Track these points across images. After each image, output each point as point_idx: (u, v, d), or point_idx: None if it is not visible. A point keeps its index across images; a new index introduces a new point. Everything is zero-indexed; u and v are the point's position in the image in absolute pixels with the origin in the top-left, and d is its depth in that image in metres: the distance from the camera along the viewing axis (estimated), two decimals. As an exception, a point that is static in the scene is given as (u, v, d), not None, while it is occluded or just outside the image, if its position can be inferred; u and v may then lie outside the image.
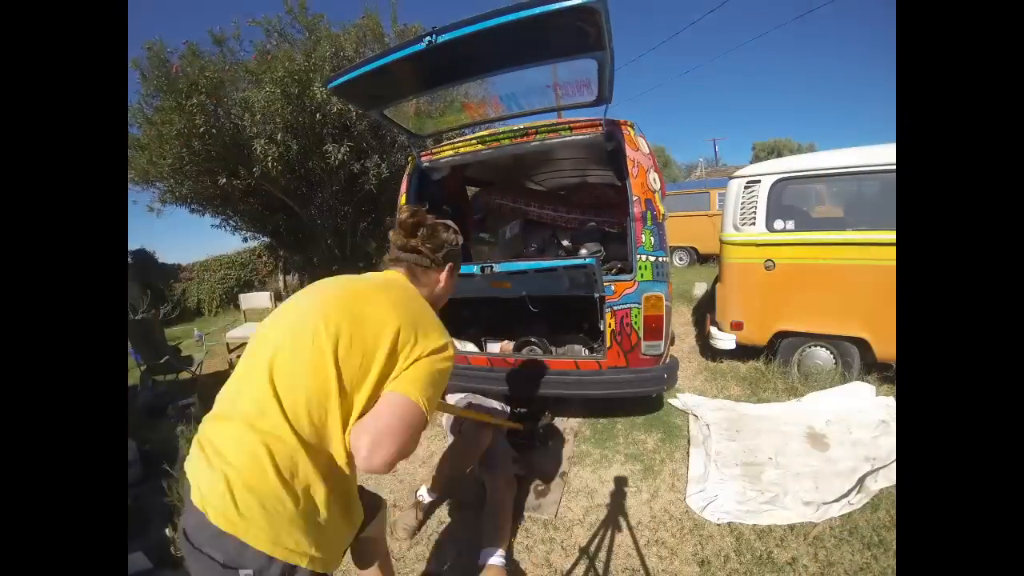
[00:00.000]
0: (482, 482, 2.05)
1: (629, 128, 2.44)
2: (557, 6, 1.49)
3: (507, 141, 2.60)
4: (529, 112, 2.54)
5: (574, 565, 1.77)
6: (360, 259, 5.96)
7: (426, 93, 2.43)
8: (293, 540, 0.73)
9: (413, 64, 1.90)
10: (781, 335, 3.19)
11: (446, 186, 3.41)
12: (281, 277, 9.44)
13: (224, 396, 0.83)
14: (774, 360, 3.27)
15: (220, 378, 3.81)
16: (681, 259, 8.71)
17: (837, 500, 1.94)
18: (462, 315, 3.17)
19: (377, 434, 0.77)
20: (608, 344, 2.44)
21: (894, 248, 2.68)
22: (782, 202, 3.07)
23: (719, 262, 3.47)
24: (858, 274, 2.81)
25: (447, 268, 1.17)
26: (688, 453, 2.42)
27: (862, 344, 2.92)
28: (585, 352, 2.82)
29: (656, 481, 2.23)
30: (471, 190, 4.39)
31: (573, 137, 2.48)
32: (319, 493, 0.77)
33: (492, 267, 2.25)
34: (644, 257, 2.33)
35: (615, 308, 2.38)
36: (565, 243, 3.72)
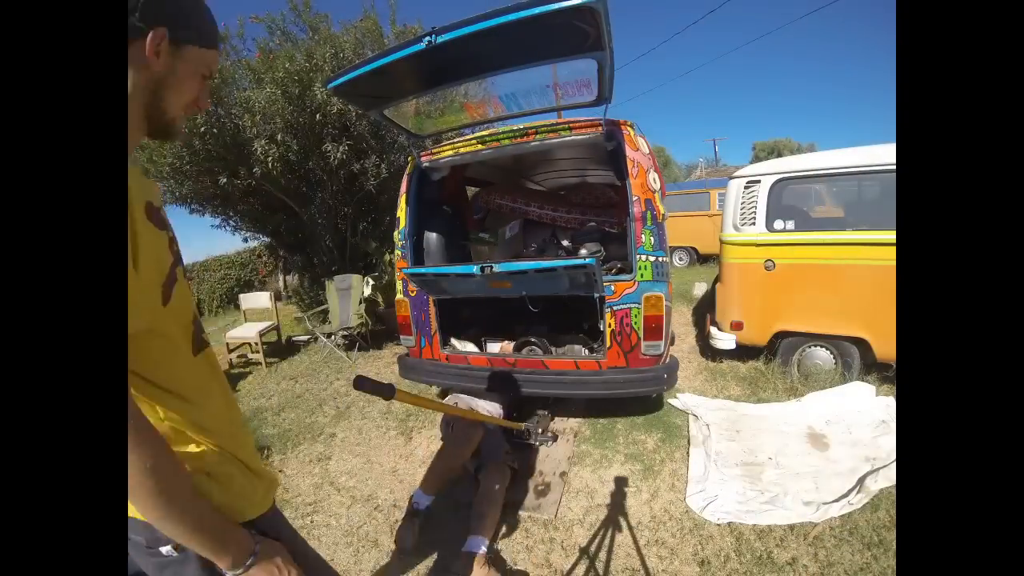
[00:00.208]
0: (475, 476, 2.07)
1: (629, 128, 2.44)
2: (557, 6, 1.49)
3: (507, 141, 2.60)
4: (529, 112, 2.54)
5: (574, 565, 1.77)
6: (360, 259, 5.95)
7: (426, 93, 2.43)
8: None
9: (413, 64, 1.90)
10: (781, 335, 3.19)
11: (446, 186, 3.41)
12: (281, 277, 9.44)
13: None
14: (774, 360, 3.27)
15: (220, 378, 3.75)
16: (681, 259, 8.71)
17: (837, 500, 1.95)
18: (462, 315, 3.17)
19: None
20: (608, 344, 2.44)
21: (894, 248, 2.68)
22: (782, 202, 3.07)
23: (719, 262, 3.47)
24: (858, 274, 2.81)
25: (149, 36, 0.60)
26: (688, 453, 2.43)
27: (862, 344, 2.92)
28: (585, 352, 2.82)
29: (656, 481, 2.23)
30: (471, 190, 4.39)
31: (573, 137, 2.49)
32: None
33: (492, 267, 2.25)
34: (644, 257, 2.33)
35: (615, 308, 2.38)
36: (565, 243, 3.72)
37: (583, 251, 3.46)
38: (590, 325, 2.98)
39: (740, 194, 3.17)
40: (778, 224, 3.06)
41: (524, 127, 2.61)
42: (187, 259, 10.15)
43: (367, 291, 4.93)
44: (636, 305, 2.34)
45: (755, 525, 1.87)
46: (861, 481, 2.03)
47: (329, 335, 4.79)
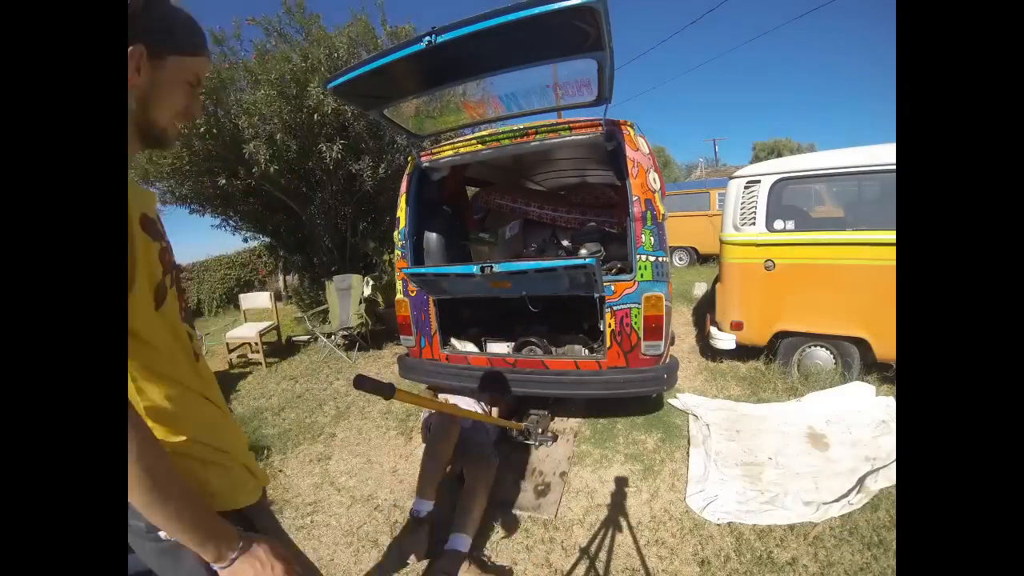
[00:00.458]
0: (460, 475, 2.08)
1: (629, 128, 2.44)
2: (557, 6, 1.49)
3: (507, 141, 2.60)
4: (529, 112, 2.54)
5: (574, 565, 1.77)
6: (360, 259, 5.95)
7: (426, 93, 2.43)
8: None
9: (413, 64, 1.90)
10: (781, 335, 3.19)
11: (446, 186, 3.41)
12: (281, 277, 9.43)
13: None
14: (774, 360, 3.27)
15: (220, 378, 3.78)
16: (681, 259, 8.71)
17: (837, 500, 1.95)
18: (462, 315, 3.17)
19: None
20: (608, 344, 2.44)
21: (894, 248, 2.68)
22: (782, 202, 3.07)
23: (719, 262, 3.47)
24: (858, 274, 2.81)
25: (129, 54, 0.59)
26: (688, 453, 2.42)
27: (862, 344, 2.92)
28: (585, 352, 2.82)
29: (656, 481, 2.23)
30: (471, 190, 4.39)
31: (573, 137, 2.49)
32: None
33: (492, 267, 2.25)
34: (644, 257, 2.33)
35: (615, 308, 2.38)
36: (565, 243, 3.72)
37: (583, 251, 3.46)
38: (590, 325, 2.98)
39: (740, 194, 3.17)
40: (778, 224, 3.06)
41: (524, 127, 2.61)
42: (187, 259, 10.16)
43: (367, 291, 4.93)
44: (636, 305, 2.34)
45: (755, 525, 1.86)
46: (861, 481, 2.03)
47: (329, 335, 4.79)
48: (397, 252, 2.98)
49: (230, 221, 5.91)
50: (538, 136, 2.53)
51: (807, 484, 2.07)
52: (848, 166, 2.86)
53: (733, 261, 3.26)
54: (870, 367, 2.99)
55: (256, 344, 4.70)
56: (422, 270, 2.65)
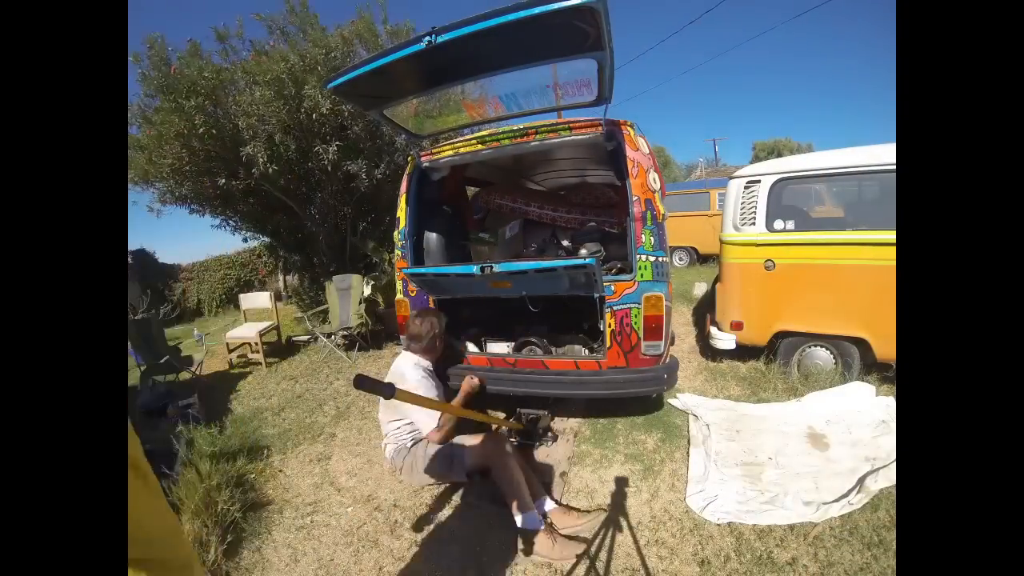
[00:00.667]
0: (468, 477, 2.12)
1: (629, 128, 2.43)
2: (557, 6, 1.49)
3: (507, 141, 2.60)
4: (529, 112, 2.54)
5: (574, 565, 1.77)
6: (360, 259, 5.95)
7: (426, 93, 2.43)
8: None
9: (413, 64, 1.90)
10: (781, 335, 3.19)
11: (446, 186, 3.41)
12: (281, 277, 9.43)
13: None
14: (774, 360, 3.27)
15: (220, 378, 3.82)
16: (681, 259, 8.71)
17: (837, 500, 1.94)
18: (462, 315, 3.17)
19: None
20: (608, 344, 2.44)
21: (894, 248, 2.68)
22: (782, 202, 3.07)
23: (719, 262, 3.47)
24: (858, 274, 2.81)
25: None
26: (688, 453, 2.42)
27: (862, 344, 2.92)
28: (585, 352, 2.82)
29: (656, 481, 2.23)
30: (471, 190, 4.39)
31: (573, 137, 2.48)
32: None
33: (492, 267, 2.25)
34: (644, 257, 2.33)
35: (615, 308, 2.38)
36: (565, 243, 3.72)
37: (583, 251, 3.46)
38: (590, 325, 2.98)
39: (740, 194, 3.17)
40: (778, 224, 3.06)
41: (524, 127, 2.61)
42: (187, 259, 10.14)
43: (367, 291, 4.93)
44: (636, 305, 2.34)
45: (755, 525, 1.86)
46: (861, 481, 2.03)
47: (329, 335, 4.79)
48: (397, 252, 2.97)
49: (230, 221, 5.91)
50: (538, 136, 2.53)
51: (807, 484, 2.07)
52: (848, 166, 2.86)
53: (733, 261, 3.26)
54: (870, 367, 2.99)
55: (256, 344, 4.70)
56: (422, 270, 2.65)
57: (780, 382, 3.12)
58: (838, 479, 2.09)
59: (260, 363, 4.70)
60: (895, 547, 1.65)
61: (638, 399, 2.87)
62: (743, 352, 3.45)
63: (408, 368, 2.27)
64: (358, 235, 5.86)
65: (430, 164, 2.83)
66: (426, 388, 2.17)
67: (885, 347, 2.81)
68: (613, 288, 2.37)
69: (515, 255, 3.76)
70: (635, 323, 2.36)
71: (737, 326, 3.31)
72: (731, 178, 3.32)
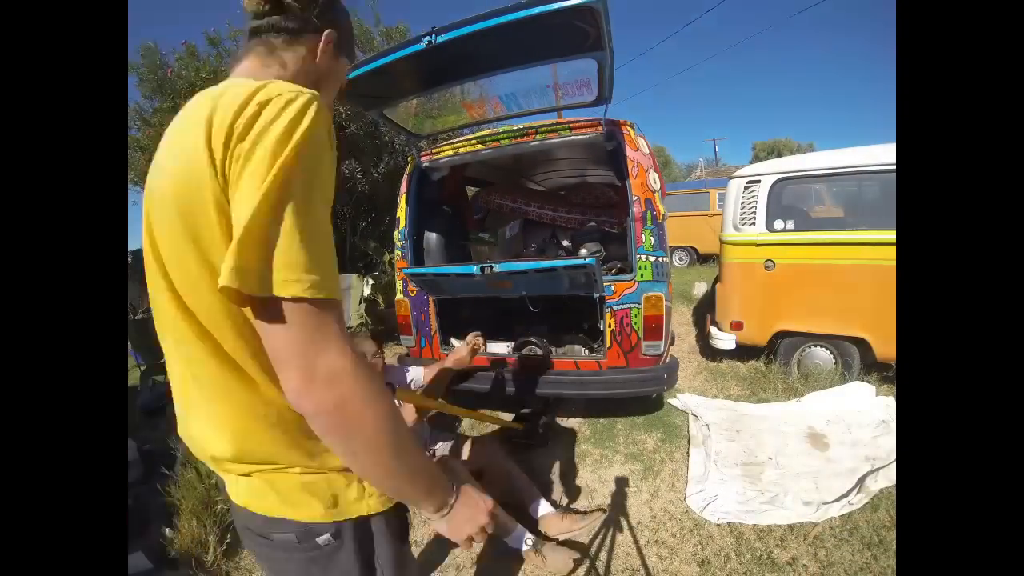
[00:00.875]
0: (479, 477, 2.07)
1: (629, 128, 2.43)
2: (557, 6, 1.49)
3: (507, 141, 2.60)
4: (529, 112, 2.54)
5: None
6: (360, 259, 5.95)
7: (426, 93, 2.43)
8: None
9: (413, 64, 1.90)
10: (781, 335, 3.19)
11: (446, 186, 3.41)
12: (281, 277, 9.41)
13: None
14: (774, 360, 3.27)
15: (220, 378, 3.78)
16: (681, 259, 8.71)
17: (837, 500, 1.94)
18: (462, 315, 3.17)
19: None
20: (608, 344, 2.44)
21: (894, 248, 2.68)
22: (782, 202, 3.07)
23: (719, 262, 3.47)
24: (858, 274, 2.81)
25: (324, 35, 0.69)
26: (688, 453, 2.42)
27: (862, 344, 2.92)
28: (585, 352, 2.82)
29: (656, 481, 2.23)
30: (471, 190, 4.39)
31: (573, 137, 2.48)
32: None
33: (492, 267, 2.25)
34: (644, 257, 2.33)
35: (615, 308, 2.38)
36: (565, 243, 3.72)
37: (583, 251, 3.46)
38: (590, 325, 2.98)
39: (740, 194, 3.17)
40: (778, 224, 3.06)
41: (524, 127, 2.61)
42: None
43: (367, 291, 4.92)
44: (636, 305, 2.34)
45: (755, 525, 1.86)
46: (861, 481, 2.03)
47: (329, 335, 4.78)
48: (397, 252, 2.97)
49: (229, 221, 5.91)
50: (538, 136, 2.53)
51: (807, 484, 2.07)
52: (848, 166, 2.86)
53: (733, 261, 3.26)
54: (870, 367, 2.99)
55: (256, 344, 4.69)
56: (422, 270, 2.65)
57: (780, 382, 3.12)
58: (838, 479, 2.09)
59: (260, 363, 4.69)
60: (895, 547, 1.65)
61: (638, 399, 2.87)
62: (743, 352, 3.45)
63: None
64: (358, 235, 5.86)
65: (430, 164, 2.83)
66: None
67: (885, 347, 2.81)
68: (613, 288, 2.37)
69: (515, 255, 3.76)
70: (635, 323, 2.36)
71: (737, 326, 3.31)
72: (731, 178, 3.32)
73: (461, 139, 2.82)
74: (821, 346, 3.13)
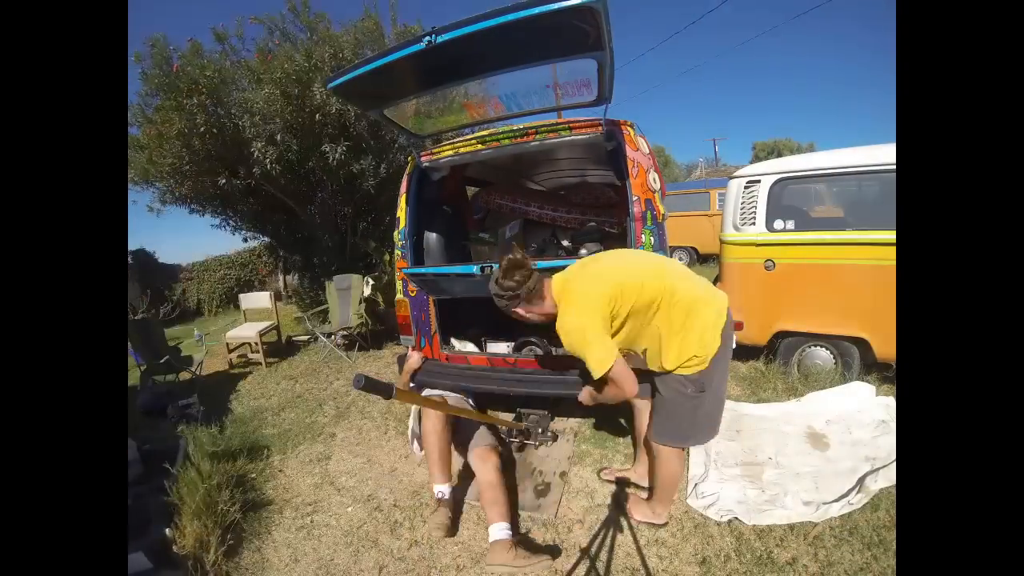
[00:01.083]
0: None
1: (629, 128, 2.43)
2: (557, 6, 1.49)
3: (507, 141, 2.60)
4: (529, 112, 2.54)
5: (574, 565, 1.77)
6: (360, 259, 5.95)
7: (426, 93, 2.43)
8: None
9: (413, 64, 1.90)
10: (781, 335, 3.19)
11: (446, 186, 3.41)
12: (281, 277, 9.43)
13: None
14: (774, 360, 3.27)
15: (220, 378, 3.82)
16: (681, 259, 8.71)
17: (837, 500, 1.94)
18: (462, 315, 3.17)
19: None
20: (608, 344, 2.43)
21: (894, 248, 2.67)
22: (782, 202, 3.07)
23: (719, 262, 3.47)
24: (858, 274, 2.81)
25: None
26: (688, 453, 2.42)
27: (862, 344, 2.92)
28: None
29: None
30: (471, 190, 4.39)
31: (573, 137, 2.48)
32: None
33: (492, 267, 2.25)
34: (644, 257, 2.33)
35: (615, 308, 2.38)
36: (565, 243, 3.72)
37: (583, 251, 3.45)
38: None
39: (740, 194, 3.17)
40: (778, 224, 3.06)
41: (524, 127, 2.61)
42: (187, 259, 10.17)
43: (367, 291, 4.93)
44: (636, 305, 2.34)
45: (755, 525, 1.87)
46: (861, 481, 2.03)
47: (329, 335, 4.79)
48: (397, 252, 2.97)
49: (230, 221, 5.91)
50: (538, 136, 2.53)
51: (807, 484, 2.07)
52: (848, 166, 2.86)
53: (733, 261, 3.26)
54: (870, 367, 2.98)
55: (256, 344, 4.70)
56: (422, 270, 2.65)
57: (780, 382, 3.12)
58: (838, 479, 2.09)
59: (260, 363, 4.70)
60: (895, 547, 1.65)
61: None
62: (743, 352, 3.45)
63: None
64: (358, 235, 5.86)
65: (430, 164, 2.83)
66: None
67: (885, 347, 2.81)
68: (613, 288, 2.37)
69: (515, 255, 3.75)
70: (635, 323, 2.36)
71: (737, 326, 3.27)
72: (731, 178, 3.32)
73: (461, 139, 2.82)
74: (821, 346, 3.13)
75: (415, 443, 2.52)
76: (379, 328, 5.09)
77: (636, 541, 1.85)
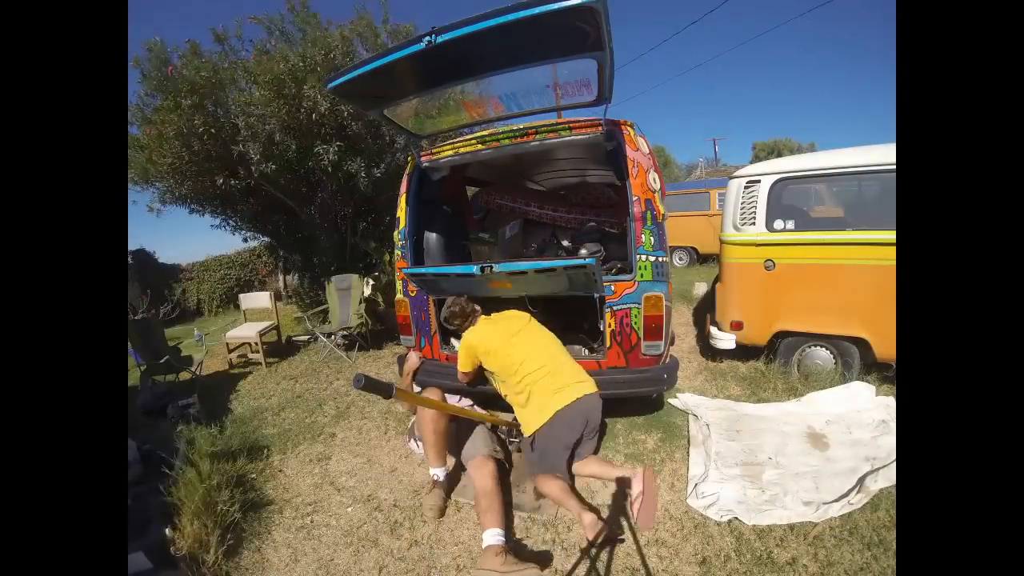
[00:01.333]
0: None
1: (629, 128, 2.43)
2: (557, 6, 1.49)
3: (507, 141, 2.60)
4: (529, 112, 2.54)
5: (575, 565, 1.77)
6: (360, 259, 5.95)
7: (426, 93, 2.43)
8: None
9: (413, 64, 1.90)
10: (781, 335, 3.19)
11: (446, 186, 3.41)
12: (281, 277, 9.42)
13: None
14: (774, 360, 3.27)
15: (220, 378, 3.82)
16: (681, 259, 8.71)
17: (837, 500, 1.94)
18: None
19: None
20: (608, 344, 2.44)
21: (894, 248, 2.67)
22: (782, 202, 3.07)
23: (719, 262, 3.47)
24: (858, 274, 2.81)
25: None
26: (688, 453, 2.42)
27: (862, 344, 2.92)
28: (585, 352, 2.82)
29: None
30: (471, 190, 4.39)
31: (573, 137, 2.48)
32: None
33: (492, 267, 2.25)
34: (644, 257, 2.33)
35: (615, 308, 2.38)
36: (565, 243, 3.72)
37: (583, 251, 3.46)
38: (590, 325, 2.98)
39: (740, 194, 3.17)
40: (778, 224, 3.06)
41: (524, 127, 2.61)
42: (187, 259, 10.16)
43: (367, 291, 4.93)
44: (636, 305, 2.34)
45: (755, 525, 1.87)
46: (861, 481, 2.03)
47: (329, 335, 4.79)
48: (397, 252, 2.98)
49: (230, 221, 5.91)
50: (538, 136, 2.53)
51: (807, 484, 2.07)
52: (848, 166, 2.86)
53: (733, 261, 3.26)
54: (870, 367, 2.98)
55: (256, 344, 4.70)
56: (422, 270, 2.65)
57: (780, 382, 3.12)
58: (838, 479, 2.08)
59: (260, 363, 4.69)
60: (895, 547, 1.65)
61: (638, 399, 2.87)
62: (743, 352, 3.45)
63: None
64: (358, 235, 5.86)
65: (430, 164, 2.83)
66: None
67: (885, 347, 2.81)
68: (613, 288, 2.37)
69: (515, 255, 3.76)
70: (635, 323, 2.36)
71: (737, 326, 3.31)
72: (731, 178, 3.32)
73: (461, 139, 2.82)
74: (821, 346, 3.13)
75: (412, 440, 2.52)
76: (379, 328, 5.08)
77: (636, 541, 1.85)
